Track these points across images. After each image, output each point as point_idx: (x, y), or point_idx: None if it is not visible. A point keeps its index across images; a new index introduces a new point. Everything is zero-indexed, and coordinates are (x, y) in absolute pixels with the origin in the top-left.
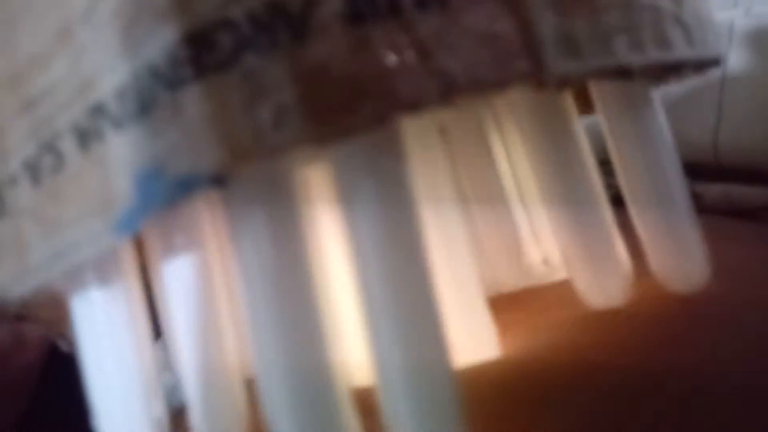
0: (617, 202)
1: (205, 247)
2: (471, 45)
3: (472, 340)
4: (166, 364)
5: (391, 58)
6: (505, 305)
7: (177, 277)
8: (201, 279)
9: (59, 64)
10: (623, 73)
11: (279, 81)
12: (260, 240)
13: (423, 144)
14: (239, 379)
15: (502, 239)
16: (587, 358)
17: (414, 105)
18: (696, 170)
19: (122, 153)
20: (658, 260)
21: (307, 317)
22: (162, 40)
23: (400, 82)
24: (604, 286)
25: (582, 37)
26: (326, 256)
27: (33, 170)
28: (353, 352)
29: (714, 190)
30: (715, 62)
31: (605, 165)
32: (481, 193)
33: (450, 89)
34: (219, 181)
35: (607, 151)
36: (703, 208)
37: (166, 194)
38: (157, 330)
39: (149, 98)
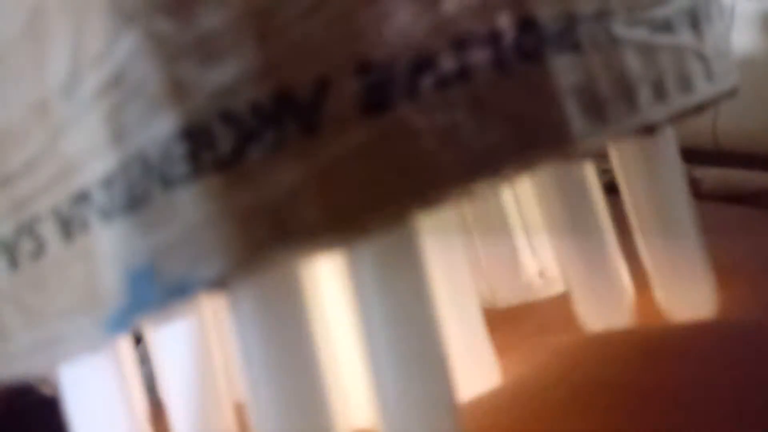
0: (612, 189)
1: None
2: (495, 127)
3: (473, 370)
4: None
5: (413, 149)
6: (502, 323)
7: (171, 341)
8: (196, 342)
9: (35, 141)
10: (647, 130)
11: (288, 181)
12: (261, 327)
13: None
14: (230, 409)
15: (499, 253)
16: (585, 378)
17: (438, 199)
18: (695, 155)
19: (110, 246)
20: (664, 291)
21: (309, 395)
22: (155, 131)
23: (422, 175)
24: (605, 313)
25: (606, 95)
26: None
27: (10, 253)
28: (354, 394)
29: (712, 175)
30: (731, 95)
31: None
32: (479, 207)
33: (474, 176)
34: (219, 284)
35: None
36: (701, 193)
37: (160, 297)
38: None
39: (140, 192)
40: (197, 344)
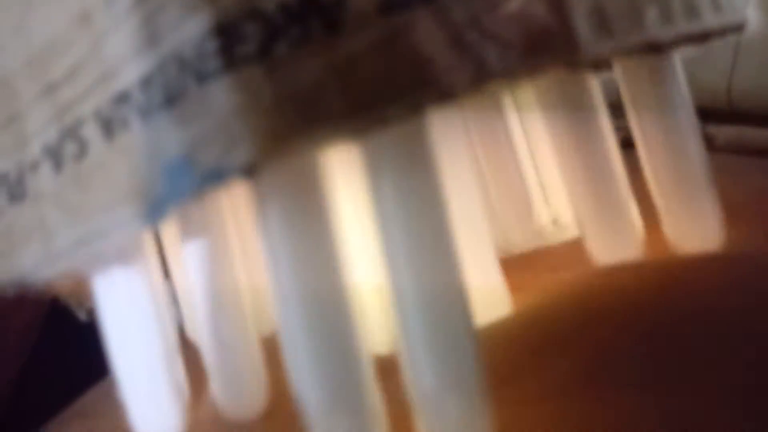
0: (627, 144)
1: (222, 213)
2: (505, 29)
3: (485, 298)
4: None
5: (426, 47)
6: (514, 266)
7: (195, 246)
8: (218, 247)
9: (79, 50)
10: (652, 48)
11: (313, 74)
12: (287, 218)
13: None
14: (257, 342)
15: (512, 200)
16: (593, 308)
17: (448, 94)
18: (708, 114)
19: (149, 142)
20: (672, 224)
21: (331, 286)
22: (189, 31)
23: (435, 71)
24: (615, 244)
25: (614, 12)
26: (347, 228)
27: (55, 156)
28: (372, 322)
29: (726, 132)
30: (739, 28)
31: (616, 109)
32: (492, 153)
33: (484, 76)
34: (249, 172)
35: (617, 94)
36: (715, 148)
37: (196, 184)
38: None
39: (176, 89)
40: (223, 276)
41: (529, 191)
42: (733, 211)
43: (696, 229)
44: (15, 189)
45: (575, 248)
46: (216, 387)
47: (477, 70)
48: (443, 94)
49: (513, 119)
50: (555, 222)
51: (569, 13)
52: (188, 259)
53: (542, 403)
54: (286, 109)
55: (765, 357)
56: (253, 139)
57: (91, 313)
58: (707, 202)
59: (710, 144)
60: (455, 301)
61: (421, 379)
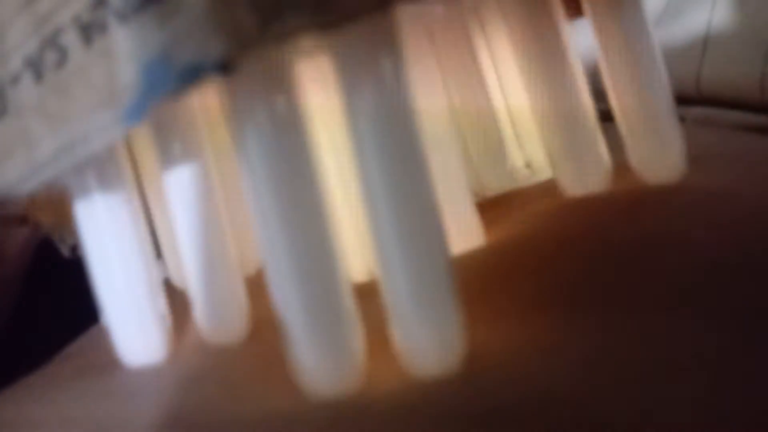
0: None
1: (203, 148)
2: None
3: (460, 231)
4: None
5: None
6: (489, 203)
7: (177, 180)
8: (200, 180)
9: None
10: None
11: None
12: (263, 131)
13: (414, 49)
14: (240, 274)
15: (486, 144)
16: (562, 235)
17: None
18: (679, 99)
19: (127, 45)
20: (636, 152)
21: (310, 210)
22: None
23: None
24: (585, 175)
25: None
26: (324, 151)
27: (35, 67)
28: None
29: (695, 112)
30: None
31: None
32: (467, 98)
33: None
34: (224, 68)
35: (597, 79)
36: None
37: (173, 81)
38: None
39: None
40: (207, 215)
41: (503, 135)
42: (700, 151)
43: (660, 156)
44: None
45: (546, 185)
46: (199, 314)
47: None
48: None
49: (486, 59)
50: (528, 165)
51: None
52: (169, 191)
53: (508, 320)
54: (256, 3)
55: (735, 283)
56: (227, 34)
57: (75, 250)
58: (670, 129)
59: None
60: (430, 222)
61: (398, 299)
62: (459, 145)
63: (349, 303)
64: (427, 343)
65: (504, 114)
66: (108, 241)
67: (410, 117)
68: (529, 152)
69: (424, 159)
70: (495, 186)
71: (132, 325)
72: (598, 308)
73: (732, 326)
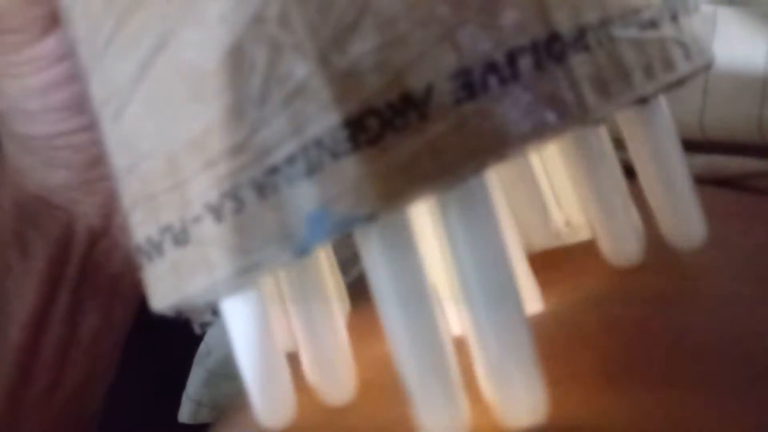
0: (629, 173)
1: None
2: (538, 106)
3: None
4: None
5: (487, 125)
6: (539, 265)
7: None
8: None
9: (234, 137)
10: (640, 101)
11: (412, 150)
12: (386, 243)
13: None
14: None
15: (530, 205)
16: (613, 315)
17: (502, 157)
18: (685, 144)
19: (294, 200)
20: (665, 225)
21: (419, 290)
22: (326, 124)
23: (494, 141)
24: (622, 247)
25: (610, 79)
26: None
27: (216, 212)
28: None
29: (700, 161)
30: (707, 68)
31: (617, 142)
32: (511, 165)
33: (527, 140)
34: (371, 219)
35: (618, 130)
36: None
37: (331, 229)
38: None
39: (316, 163)
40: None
41: (544, 197)
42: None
43: (685, 228)
44: (179, 236)
45: (592, 252)
46: (313, 378)
47: (522, 139)
48: (498, 156)
49: None
50: (568, 223)
51: (579, 89)
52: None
53: (569, 384)
54: (395, 176)
55: None
56: (373, 197)
57: (204, 327)
58: (692, 205)
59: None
60: (511, 295)
61: (487, 355)
62: (510, 215)
63: (453, 358)
64: (515, 393)
65: (542, 174)
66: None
67: (494, 219)
68: (568, 211)
69: (504, 247)
70: (541, 243)
71: (265, 391)
72: (645, 385)
73: None
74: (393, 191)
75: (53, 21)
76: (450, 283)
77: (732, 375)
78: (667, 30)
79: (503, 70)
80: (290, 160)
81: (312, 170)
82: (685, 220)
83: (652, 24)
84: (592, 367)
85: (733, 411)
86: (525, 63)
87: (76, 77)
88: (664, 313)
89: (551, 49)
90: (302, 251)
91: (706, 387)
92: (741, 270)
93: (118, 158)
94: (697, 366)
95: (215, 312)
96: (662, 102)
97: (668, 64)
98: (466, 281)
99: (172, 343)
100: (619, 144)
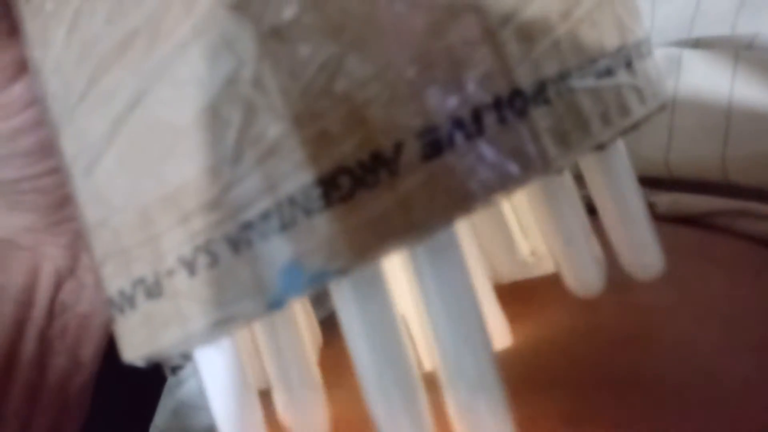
0: (590, 209)
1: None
2: (503, 159)
3: (491, 332)
4: None
5: (453, 181)
6: (506, 298)
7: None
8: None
9: (208, 194)
10: (598, 147)
11: (383, 206)
12: (359, 297)
13: None
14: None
15: (497, 237)
16: (578, 353)
17: (469, 209)
18: (652, 182)
19: (268, 255)
20: (624, 256)
21: (390, 333)
22: (299, 182)
23: (461, 194)
24: (584, 279)
25: (569, 129)
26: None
27: (189, 266)
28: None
29: (665, 199)
30: (662, 109)
31: (579, 179)
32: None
33: (490, 195)
34: (343, 273)
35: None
36: (656, 216)
37: (306, 283)
38: None
39: (290, 220)
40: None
41: (511, 229)
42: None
43: (642, 259)
44: (152, 289)
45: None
46: (286, 416)
47: (485, 192)
48: (465, 209)
49: None
50: (534, 254)
51: (542, 140)
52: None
53: (535, 423)
54: (366, 231)
55: (738, 402)
56: (346, 252)
57: (175, 371)
58: (649, 238)
59: (653, 211)
60: (479, 336)
61: (457, 395)
62: (477, 246)
63: (423, 396)
64: (485, 427)
65: (508, 207)
66: (220, 371)
67: (462, 265)
68: (534, 243)
69: (473, 290)
70: (508, 274)
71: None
72: (620, 426)
73: None
74: (365, 246)
75: (21, 68)
76: (420, 321)
77: (693, 419)
78: (622, 77)
79: (469, 126)
80: (264, 216)
81: (285, 226)
82: (643, 252)
83: (608, 72)
84: (557, 406)
85: None
86: (489, 119)
87: (41, 123)
88: (626, 354)
89: (514, 104)
90: (276, 304)
91: (665, 430)
92: (701, 312)
93: (89, 212)
94: (659, 409)
95: (186, 356)
96: (619, 144)
97: (624, 110)
98: (437, 324)
99: (141, 374)
100: (580, 180)
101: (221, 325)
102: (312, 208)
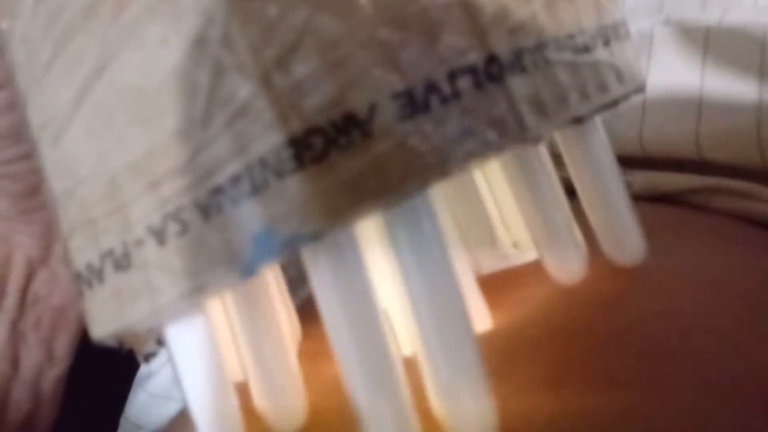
0: (570, 192)
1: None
2: (478, 126)
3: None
4: None
5: (427, 144)
6: (487, 286)
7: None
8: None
9: (178, 159)
10: (576, 120)
11: (356, 168)
12: (336, 276)
13: None
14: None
15: (477, 227)
16: (558, 324)
17: (445, 174)
18: (626, 160)
19: (239, 221)
20: (604, 241)
21: (368, 311)
22: (270, 143)
23: (436, 159)
24: (566, 265)
25: (547, 100)
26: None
27: (159, 235)
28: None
29: (640, 178)
30: (640, 91)
31: (557, 158)
32: (459, 190)
33: (467, 160)
34: (316, 237)
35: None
36: (632, 195)
37: (278, 248)
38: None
39: (261, 182)
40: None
41: (491, 219)
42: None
43: (623, 243)
44: (121, 260)
45: (536, 269)
46: (262, 405)
47: (463, 157)
48: (441, 173)
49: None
50: (515, 245)
51: (518, 109)
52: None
53: (518, 396)
54: (340, 193)
55: (721, 356)
56: (319, 215)
57: (148, 358)
58: (629, 221)
59: (628, 190)
60: (460, 315)
61: (438, 373)
62: (457, 235)
63: (402, 377)
64: (463, 408)
65: (489, 196)
66: (193, 354)
67: (441, 239)
68: (515, 233)
69: (452, 266)
70: (489, 265)
71: (211, 418)
72: (590, 388)
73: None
74: (338, 209)
75: None
76: (400, 303)
77: (680, 374)
78: (600, 54)
79: (444, 89)
80: (234, 180)
81: (257, 190)
82: (624, 236)
83: (586, 49)
84: (539, 375)
85: (683, 410)
86: (465, 83)
87: (13, 106)
88: (606, 318)
89: (490, 70)
90: (249, 271)
91: (653, 386)
92: (683, 276)
93: (57, 183)
94: (640, 365)
95: (160, 342)
96: (598, 121)
97: (602, 87)
98: (416, 301)
99: (112, 364)
100: (559, 162)
101: (192, 294)
102: (283, 169)
